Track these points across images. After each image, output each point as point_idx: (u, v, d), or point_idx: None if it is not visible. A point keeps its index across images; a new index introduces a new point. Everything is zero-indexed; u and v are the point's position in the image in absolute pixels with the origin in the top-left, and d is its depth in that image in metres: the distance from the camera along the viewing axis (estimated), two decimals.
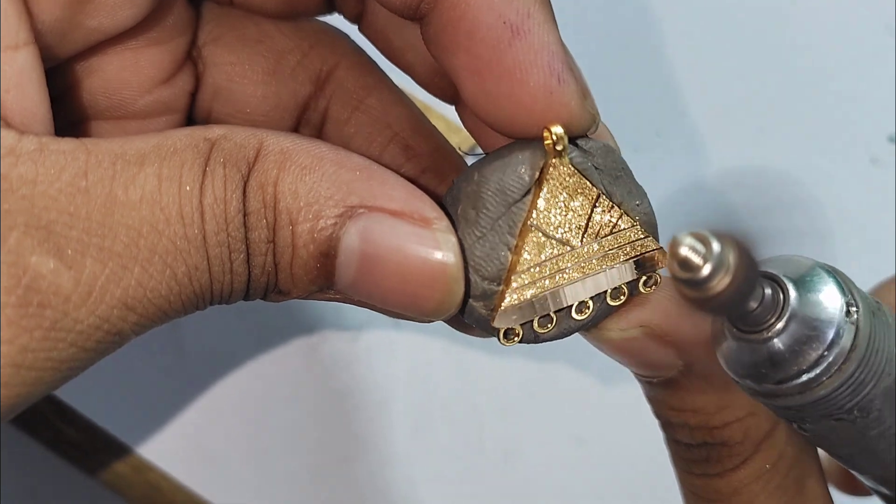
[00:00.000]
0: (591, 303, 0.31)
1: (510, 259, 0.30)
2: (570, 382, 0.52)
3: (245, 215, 0.28)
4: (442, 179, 0.34)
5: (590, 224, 0.30)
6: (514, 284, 0.30)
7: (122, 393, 0.50)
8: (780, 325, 0.27)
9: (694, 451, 0.33)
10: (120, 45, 0.33)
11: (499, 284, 0.30)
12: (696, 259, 0.23)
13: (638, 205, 0.31)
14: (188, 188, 0.28)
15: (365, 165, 0.29)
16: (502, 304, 0.30)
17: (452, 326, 0.33)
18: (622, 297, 0.31)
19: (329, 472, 0.51)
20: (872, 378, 0.27)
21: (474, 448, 0.51)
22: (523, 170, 0.29)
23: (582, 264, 0.30)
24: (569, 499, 0.52)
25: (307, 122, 0.36)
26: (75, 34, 0.31)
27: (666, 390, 0.32)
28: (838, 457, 0.31)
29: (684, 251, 0.23)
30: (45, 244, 0.26)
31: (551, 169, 0.29)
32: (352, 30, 0.36)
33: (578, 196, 0.30)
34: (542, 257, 0.30)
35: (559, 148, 0.29)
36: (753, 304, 0.26)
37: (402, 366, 0.51)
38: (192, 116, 0.36)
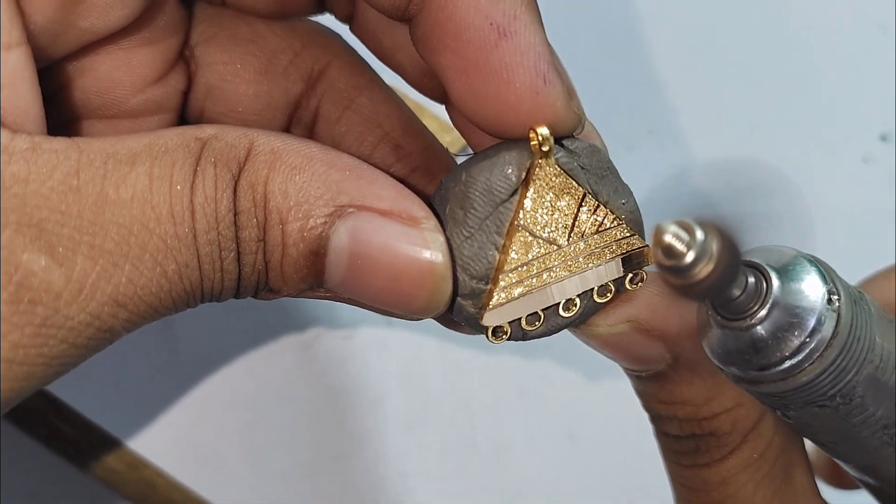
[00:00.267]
0: (578, 300, 0.31)
1: (498, 258, 0.30)
2: (562, 379, 0.52)
3: (235, 214, 0.28)
4: (432, 179, 0.34)
5: (576, 223, 0.30)
6: (501, 283, 0.30)
7: (118, 390, 0.50)
8: (762, 313, 0.27)
9: (682, 443, 0.33)
10: (112, 44, 0.33)
11: (487, 283, 0.30)
12: (680, 246, 0.23)
13: (624, 203, 0.31)
14: (179, 187, 0.28)
15: (354, 165, 0.30)
16: (490, 302, 0.30)
17: (442, 324, 0.33)
18: (609, 295, 0.31)
19: (323, 469, 0.51)
20: (854, 365, 0.28)
21: (467, 445, 0.51)
22: (510, 170, 0.30)
23: (569, 263, 0.30)
24: (561, 495, 0.52)
25: (298, 120, 0.37)
26: (68, 35, 0.31)
27: (655, 383, 0.33)
28: (822, 444, 0.32)
29: (668, 238, 0.24)
30: (36, 242, 0.27)
31: (537, 169, 0.30)
32: (343, 29, 0.36)
33: (565, 196, 0.30)
34: (530, 256, 0.30)
35: (545, 148, 0.29)
36: (737, 292, 0.27)
37: (395, 364, 0.52)
38: (184, 115, 0.36)
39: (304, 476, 0.51)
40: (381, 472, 0.51)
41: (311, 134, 0.36)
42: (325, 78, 0.36)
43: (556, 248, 0.30)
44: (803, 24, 0.55)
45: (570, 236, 0.30)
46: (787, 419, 0.29)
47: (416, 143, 0.36)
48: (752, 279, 0.27)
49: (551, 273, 0.30)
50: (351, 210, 0.29)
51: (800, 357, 0.27)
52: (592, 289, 0.31)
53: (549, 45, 0.30)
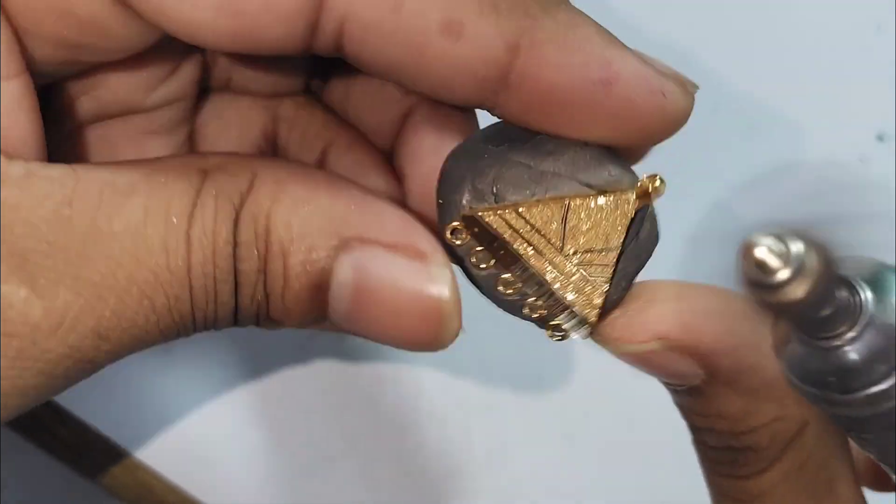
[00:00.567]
0: (542, 303, 0.31)
1: (525, 199, 0.30)
2: (557, 380, 0.52)
3: (235, 246, 0.28)
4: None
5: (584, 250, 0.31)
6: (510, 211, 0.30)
7: (116, 395, 0.50)
8: (853, 333, 0.25)
9: (721, 454, 0.32)
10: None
11: (494, 196, 0.30)
12: (775, 261, 0.21)
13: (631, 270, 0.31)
14: (175, 220, 0.27)
15: (361, 197, 0.29)
16: (481, 211, 0.30)
17: None
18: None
19: (318, 470, 0.51)
20: None
21: (462, 446, 0.51)
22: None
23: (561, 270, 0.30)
24: (556, 496, 0.52)
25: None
26: (69, 68, 0.31)
27: (690, 397, 0.32)
28: (890, 465, 0.30)
29: (762, 253, 0.21)
30: (18, 273, 0.26)
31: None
32: None
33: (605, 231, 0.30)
34: (545, 229, 0.30)
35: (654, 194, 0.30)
36: (827, 310, 0.24)
37: (390, 365, 0.51)
38: (198, 107, 0.36)
39: (300, 477, 0.51)
40: (376, 473, 0.51)
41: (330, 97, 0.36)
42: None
43: (559, 253, 0.30)
44: (800, 23, 0.54)
45: (572, 253, 0.30)
46: (862, 440, 0.28)
47: None
48: (843, 294, 0.25)
49: (548, 266, 0.30)
50: (355, 244, 0.28)
51: (889, 383, 0.25)
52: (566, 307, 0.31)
53: (640, 55, 0.29)
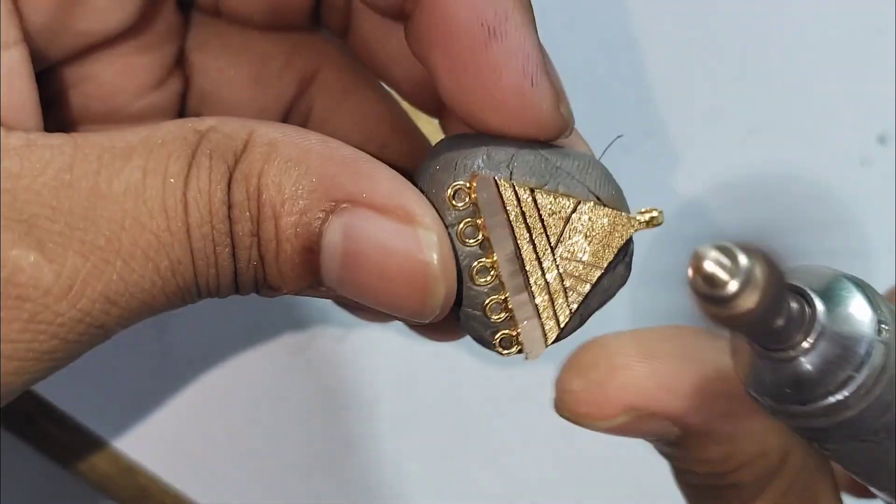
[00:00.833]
0: (508, 302, 0.30)
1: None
2: None
3: (230, 207, 0.28)
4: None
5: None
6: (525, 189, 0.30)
7: (109, 393, 0.50)
8: (807, 343, 0.25)
9: (703, 491, 0.32)
10: (112, 51, 0.33)
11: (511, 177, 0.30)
12: (723, 274, 0.21)
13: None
14: (172, 180, 0.28)
15: (352, 158, 0.29)
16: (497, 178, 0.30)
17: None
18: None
19: (316, 472, 0.51)
20: None
21: (462, 447, 0.51)
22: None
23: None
24: (557, 498, 0.51)
25: (291, 122, 0.36)
26: (65, 37, 0.31)
27: (669, 448, 0.32)
28: (858, 474, 0.30)
29: (710, 266, 0.21)
30: (26, 238, 0.27)
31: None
32: None
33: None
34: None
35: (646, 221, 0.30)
36: (780, 321, 0.24)
37: (390, 366, 0.51)
38: (183, 116, 0.36)
39: (298, 479, 0.50)
40: (375, 474, 0.51)
41: None
42: (317, 80, 0.36)
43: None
44: (801, 26, 0.54)
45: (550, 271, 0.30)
46: (825, 451, 0.28)
47: (404, 143, 0.35)
48: (795, 305, 0.25)
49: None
50: (345, 206, 0.28)
51: (846, 393, 0.25)
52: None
53: (540, 47, 0.30)
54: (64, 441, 0.49)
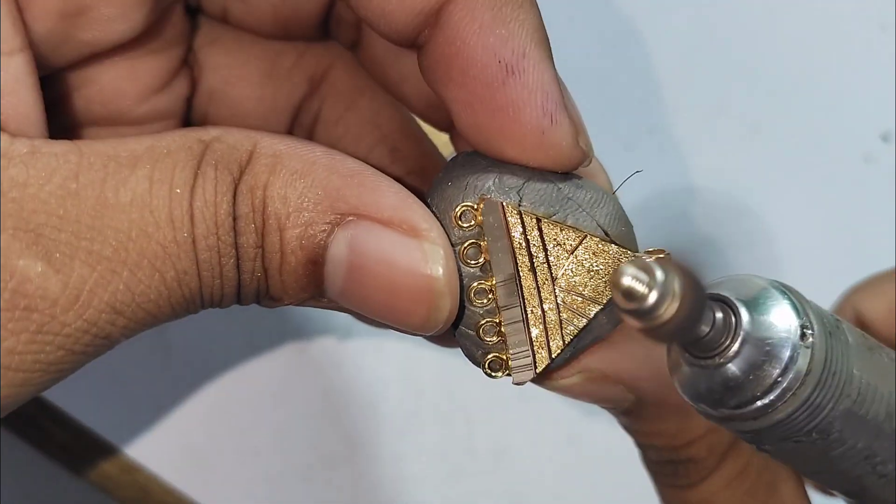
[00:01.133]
0: (503, 327, 0.30)
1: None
2: None
3: (235, 219, 0.28)
4: (426, 181, 0.34)
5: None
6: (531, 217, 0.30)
7: (111, 394, 0.50)
8: (733, 350, 0.26)
9: (663, 467, 0.33)
10: (116, 55, 0.33)
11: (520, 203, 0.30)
12: (641, 288, 0.23)
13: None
14: (178, 191, 0.28)
15: (357, 171, 0.29)
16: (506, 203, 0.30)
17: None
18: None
19: (318, 473, 0.51)
20: (830, 401, 0.27)
21: (464, 448, 0.51)
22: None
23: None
24: (559, 499, 0.51)
25: (300, 123, 0.36)
26: (69, 46, 0.31)
27: (627, 418, 0.33)
28: (803, 473, 0.31)
29: (627, 281, 0.23)
30: (33, 247, 0.27)
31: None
32: None
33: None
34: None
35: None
36: (705, 329, 0.26)
37: (391, 366, 0.51)
38: (188, 120, 0.36)
39: (300, 480, 0.50)
40: (377, 475, 0.51)
41: (311, 136, 0.36)
42: (327, 80, 0.36)
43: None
44: (804, 23, 0.54)
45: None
46: (765, 451, 0.29)
47: (413, 147, 0.35)
48: (720, 314, 0.26)
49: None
50: (351, 218, 0.28)
51: (773, 396, 0.26)
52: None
53: (558, 82, 0.29)
54: (65, 441, 0.49)
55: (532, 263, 0.30)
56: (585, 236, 0.30)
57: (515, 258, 0.30)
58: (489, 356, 0.30)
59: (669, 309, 0.23)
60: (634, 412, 0.32)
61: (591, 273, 0.30)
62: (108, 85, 0.33)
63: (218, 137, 0.28)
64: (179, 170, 0.28)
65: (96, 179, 0.27)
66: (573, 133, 0.29)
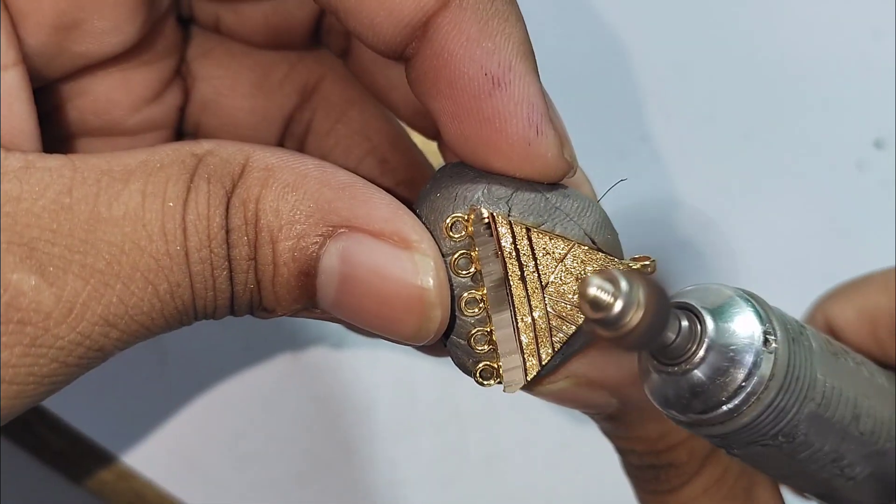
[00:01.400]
0: (493, 335, 0.31)
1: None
2: None
3: (227, 232, 0.28)
4: (415, 192, 0.34)
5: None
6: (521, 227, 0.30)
7: (107, 401, 0.50)
8: (698, 356, 0.27)
9: (644, 472, 0.34)
10: (110, 66, 0.33)
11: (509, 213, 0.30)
12: (606, 298, 0.24)
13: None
14: (171, 204, 0.28)
15: (349, 183, 0.29)
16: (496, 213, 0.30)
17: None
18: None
19: (314, 478, 0.51)
20: (794, 404, 0.27)
21: (458, 453, 0.51)
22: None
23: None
24: None
25: (291, 134, 0.36)
26: (62, 58, 0.31)
27: (609, 423, 0.33)
28: (774, 477, 0.32)
29: (593, 291, 0.24)
30: (26, 261, 0.27)
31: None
32: None
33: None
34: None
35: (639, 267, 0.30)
36: (671, 336, 0.27)
37: (386, 372, 0.51)
38: (181, 130, 0.36)
39: (295, 486, 0.51)
40: (372, 481, 0.51)
41: (301, 147, 0.36)
42: (318, 91, 0.36)
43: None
44: (797, 29, 0.54)
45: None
46: (734, 455, 0.29)
47: (403, 158, 0.35)
48: (685, 322, 0.27)
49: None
50: (342, 230, 0.29)
51: (737, 400, 0.27)
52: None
53: (543, 94, 0.30)
54: (61, 448, 0.49)
55: (522, 272, 0.30)
56: (574, 245, 0.30)
57: (506, 267, 0.30)
58: (480, 364, 0.31)
59: (634, 317, 0.23)
60: (617, 417, 0.33)
61: (580, 281, 0.30)
62: (102, 96, 0.33)
63: (211, 151, 0.29)
64: (172, 183, 0.28)
65: (90, 194, 0.27)
66: (558, 144, 0.30)
